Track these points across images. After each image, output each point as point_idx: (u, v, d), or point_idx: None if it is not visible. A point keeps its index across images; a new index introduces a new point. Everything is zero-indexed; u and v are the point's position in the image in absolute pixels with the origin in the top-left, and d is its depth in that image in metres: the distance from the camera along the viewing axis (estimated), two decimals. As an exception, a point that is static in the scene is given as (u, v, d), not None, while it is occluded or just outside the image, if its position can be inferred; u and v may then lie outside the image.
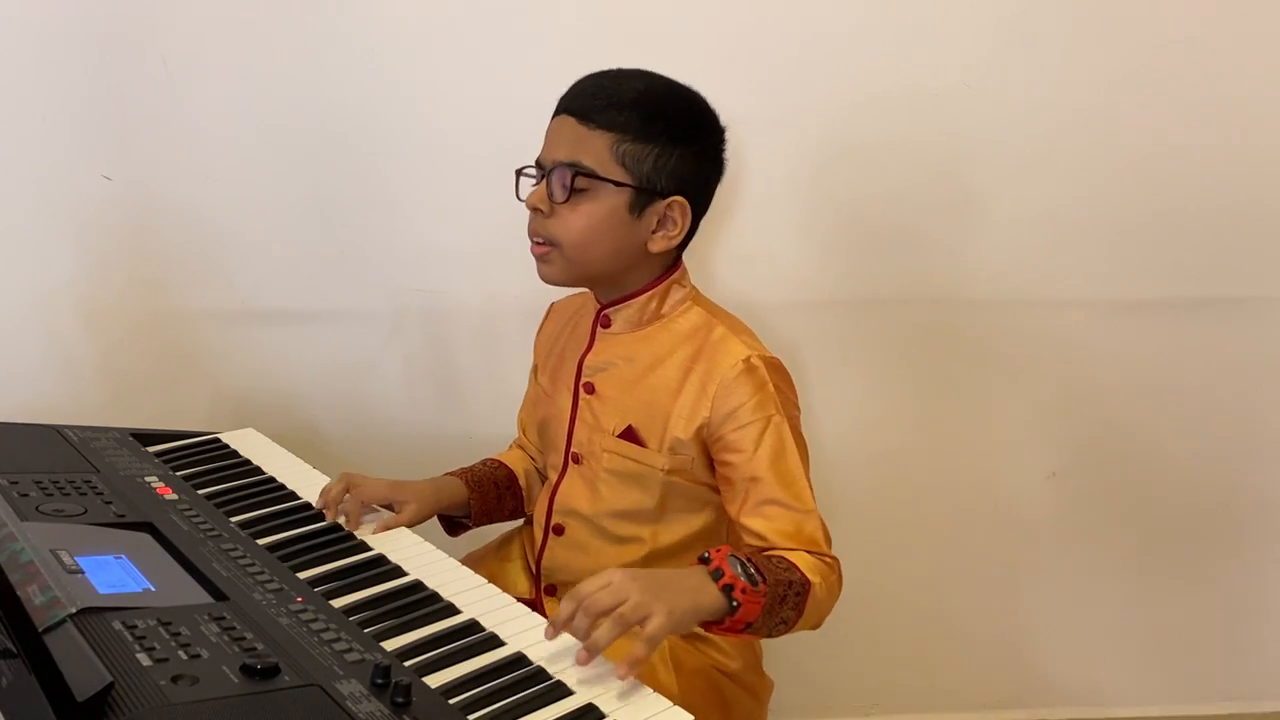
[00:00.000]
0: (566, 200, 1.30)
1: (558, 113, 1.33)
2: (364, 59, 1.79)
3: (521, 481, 1.56)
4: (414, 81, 1.81)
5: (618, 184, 1.29)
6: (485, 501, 1.52)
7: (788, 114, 1.84)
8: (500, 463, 1.57)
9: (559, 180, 1.30)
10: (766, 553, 1.25)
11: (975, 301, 1.96)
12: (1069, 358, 2.01)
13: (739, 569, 1.16)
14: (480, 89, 1.81)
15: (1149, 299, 1.99)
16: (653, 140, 1.29)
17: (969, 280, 1.95)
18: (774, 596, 1.18)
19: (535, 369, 1.54)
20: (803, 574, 1.23)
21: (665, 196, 1.31)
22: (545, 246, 1.33)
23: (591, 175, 1.29)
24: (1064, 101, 1.89)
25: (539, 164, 1.34)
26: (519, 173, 1.36)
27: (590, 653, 1.04)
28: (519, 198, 1.35)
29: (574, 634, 1.05)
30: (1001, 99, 1.87)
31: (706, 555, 1.17)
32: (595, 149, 1.29)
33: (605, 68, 1.35)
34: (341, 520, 1.37)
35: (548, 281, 1.39)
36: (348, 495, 1.39)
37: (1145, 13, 1.87)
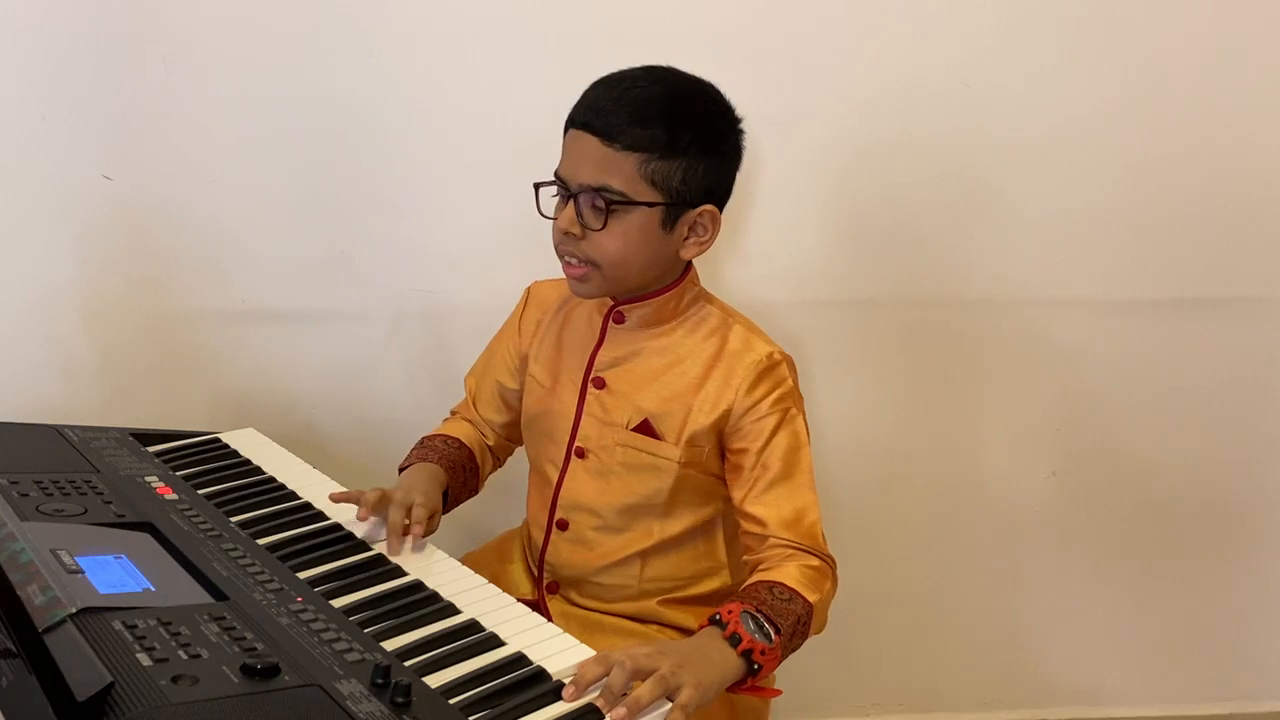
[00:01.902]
0: (602, 227, 1.29)
1: (575, 126, 1.30)
2: (365, 59, 1.79)
3: (477, 457, 1.54)
4: (414, 82, 1.81)
5: (650, 204, 1.28)
6: (455, 486, 1.50)
7: (791, 114, 1.84)
8: (459, 442, 1.53)
9: (589, 204, 1.28)
10: (765, 582, 1.25)
11: (976, 301, 1.96)
12: (1069, 358, 2.01)
13: (752, 627, 1.17)
14: (481, 89, 1.81)
15: (1149, 299, 1.99)
16: (681, 155, 1.27)
17: (970, 280, 1.95)
18: (786, 635, 1.20)
19: (523, 356, 1.51)
20: (803, 599, 1.24)
21: (695, 206, 1.31)
22: (583, 267, 1.32)
23: (623, 200, 1.28)
24: (1065, 102, 1.89)
25: (561, 179, 1.32)
26: (538, 187, 1.34)
27: (632, 710, 1.02)
28: (540, 212, 1.34)
29: (607, 692, 1.03)
30: (1003, 99, 1.87)
31: (719, 618, 1.18)
32: (623, 171, 1.27)
33: (611, 70, 1.33)
34: (416, 532, 1.31)
35: (582, 296, 1.38)
36: (416, 509, 1.33)
37: (1146, 13, 1.87)
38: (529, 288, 1.55)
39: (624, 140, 1.26)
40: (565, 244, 1.32)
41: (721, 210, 1.35)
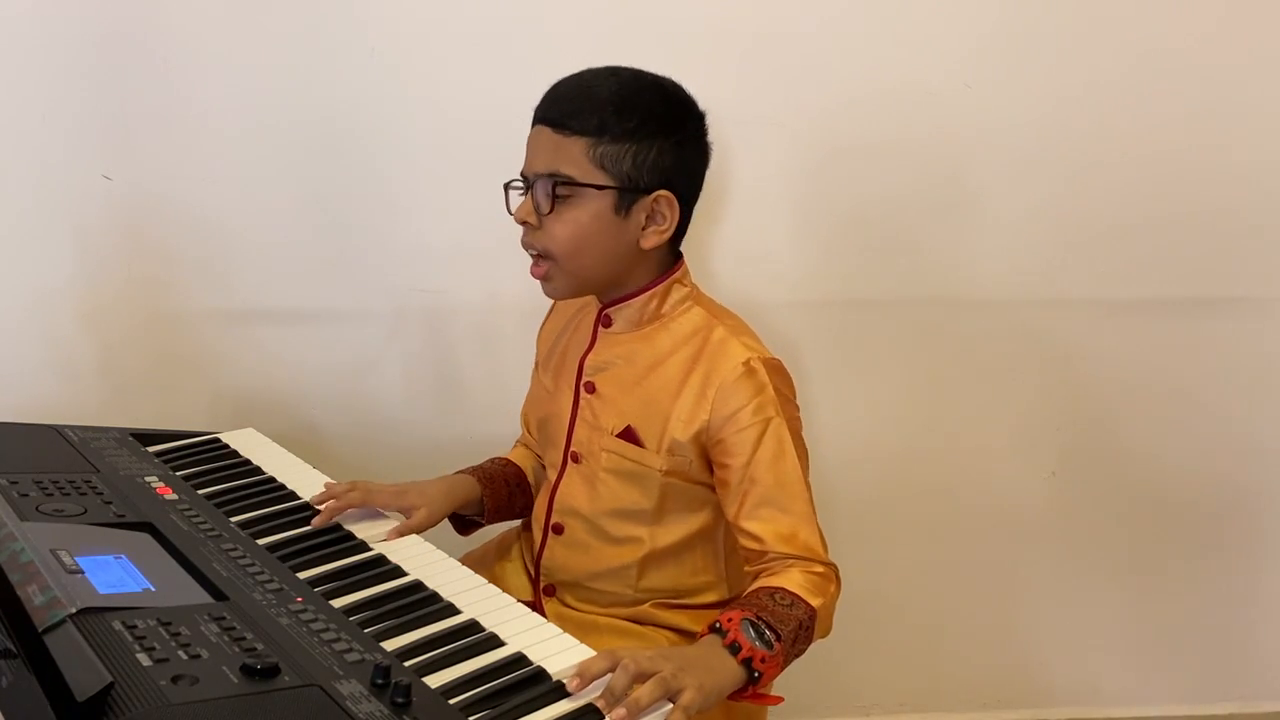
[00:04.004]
0: (551, 211, 1.29)
1: (534, 122, 1.33)
2: (365, 59, 1.79)
3: (530, 479, 1.57)
4: (415, 81, 1.81)
5: (599, 187, 1.29)
6: (497, 499, 1.52)
7: (787, 114, 1.84)
8: (508, 460, 1.58)
9: (541, 191, 1.30)
10: (767, 588, 1.25)
11: (975, 301, 1.96)
12: (1069, 358, 2.01)
13: (753, 635, 1.17)
14: (481, 89, 1.81)
15: (1149, 299, 1.99)
16: (629, 138, 1.28)
17: (969, 280, 1.95)
18: (788, 641, 1.20)
19: (538, 364, 1.54)
20: (806, 603, 1.23)
21: (650, 192, 1.30)
22: (542, 264, 1.34)
23: (571, 183, 1.28)
24: (1063, 101, 1.89)
25: (522, 175, 1.34)
26: (507, 187, 1.36)
27: (632, 712, 1.02)
28: (510, 212, 1.35)
29: (609, 693, 1.03)
30: (1001, 99, 1.88)
31: (719, 625, 1.18)
32: (572, 156, 1.28)
33: (585, 68, 1.33)
34: (326, 506, 1.35)
35: (555, 299, 1.40)
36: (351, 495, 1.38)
37: (1144, 14, 1.88)
38: (555, 301, 1.55)
39: (573, 125, 1.28)
40: (525, 236, 1.34)
41: (689, 204, 1.35)
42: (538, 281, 1.37)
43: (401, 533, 1.36)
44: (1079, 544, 2.10)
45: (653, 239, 1.33)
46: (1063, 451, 2.06)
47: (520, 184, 1.34)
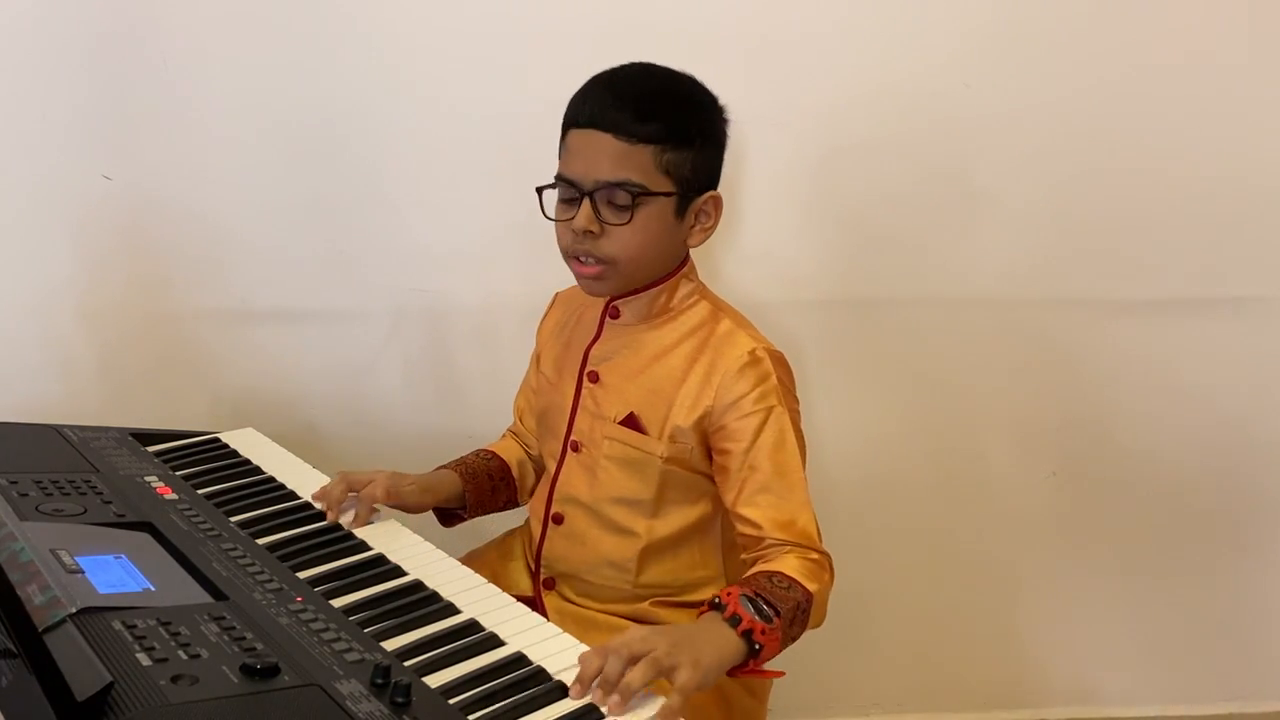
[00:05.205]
0: (628, 221, 1.29)
1: (582, 125, 1.31)
2: (365, 59, 1.79)
3: (515, 472, 1.57)
4: (414, 82, 1.81)
5: (667, 194, 1.30)
6: (480, 493, 1.53)
7: (789, 113, 1.84)
8: (493, 454, 1.58)
9: (609, 199, 1.29)
10: (765, 571, 1.25)
11: (976, 301, 1.96)
12: (1069, 358, 2.01)
13: (752, 609, 1.17)
14: (480, 90, 1.81)
15: (1149, 299, 1.99)
16: (689, 144, 1.31)
17: (969, 279, 1.95)
18: (786, 620, 1.20)
19: (537, 357, 1.55)
20: (802, 587, 1.24)
21: (701, 193, 1.34)
22: (598, 266, 1.32)
23: (645, 191, 1.29)
24: (1064, 101, 1.89)
25: (570, 181, 1.31)
26: (540, 190, 1.35)
27: (624, 696, 1.02)
28: (546, 215, 1.35)
29: (604, 681, 1.03)
30: (1001, 99, 1.88)
31: (719, 600, 1.18)
32: (641, 164, 1.29)
33: (602, 70, 1.34)
34: (346, 519, 1.36)
35: (597, 295, 1.39)
36: (352, 494, 1.39)
37: (1145, 14, 1.87)
38: (555, 295, 1.56)
39: (639, 134, 1.28)
40: (581, 244, 1.31)
41: None
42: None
43: (385, 489, 1.38)
44: (1079, 544, 2.10)
45: (698, 237, 1.37)
46: (1063, 451, 2.06)
47: (559, 188, 1.33)
